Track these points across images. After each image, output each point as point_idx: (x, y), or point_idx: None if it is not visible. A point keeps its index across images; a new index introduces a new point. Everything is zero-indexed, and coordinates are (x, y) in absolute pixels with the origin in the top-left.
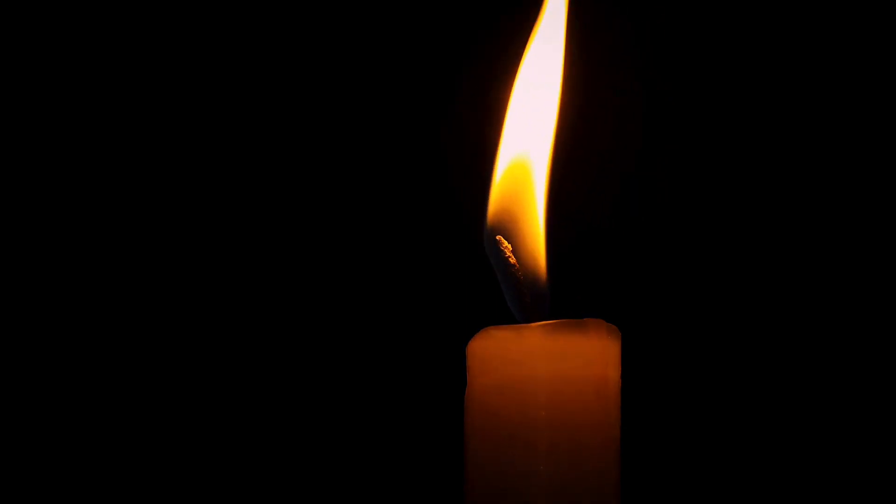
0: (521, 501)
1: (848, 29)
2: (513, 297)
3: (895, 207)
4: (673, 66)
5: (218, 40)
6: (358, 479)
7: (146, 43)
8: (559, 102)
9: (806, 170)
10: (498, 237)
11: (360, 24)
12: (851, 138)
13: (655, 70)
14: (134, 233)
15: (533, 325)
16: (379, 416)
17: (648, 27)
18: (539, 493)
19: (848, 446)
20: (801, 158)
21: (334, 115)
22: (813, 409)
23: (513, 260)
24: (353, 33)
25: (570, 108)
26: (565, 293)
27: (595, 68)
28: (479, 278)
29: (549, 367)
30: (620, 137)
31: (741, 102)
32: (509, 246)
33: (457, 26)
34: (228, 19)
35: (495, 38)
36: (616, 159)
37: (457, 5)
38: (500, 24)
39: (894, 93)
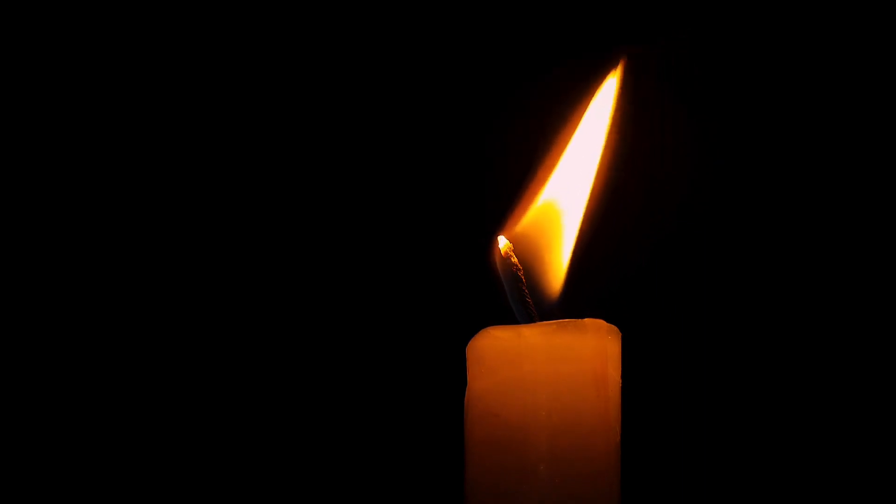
0: (521, 501)
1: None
2: (514, 298)
3: (893, 208)
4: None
5: (226, 46)
6: (358, 479)
7: (164, 44)
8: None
9: (805, 169)
10: (500, 237)
11: (372, 26)
12: (851, 139)
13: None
14: (148, 234)
15: (533, 325)
16: (379, 416)
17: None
18: (539, 493)
19: (848, 446)
20: (801, 158)
21: (339, 116)
22: (813, 409)
23: (514, 259)
24: (362, 36)
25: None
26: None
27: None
28: (479, 279)
29: (549, 367)
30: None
31: (741, 104)
32: (511, 246)
33: (465, 31)
34: (237, 23)
35: (500, 45)
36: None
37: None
38: (507, 30)
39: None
